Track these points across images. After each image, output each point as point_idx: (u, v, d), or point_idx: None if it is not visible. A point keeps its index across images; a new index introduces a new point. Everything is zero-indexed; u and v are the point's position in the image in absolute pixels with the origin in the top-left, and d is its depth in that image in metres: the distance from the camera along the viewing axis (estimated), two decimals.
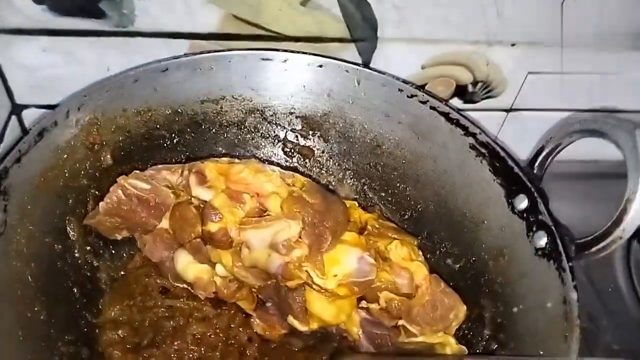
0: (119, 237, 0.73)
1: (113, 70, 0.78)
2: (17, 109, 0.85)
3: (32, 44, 0.78)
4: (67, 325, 0.64)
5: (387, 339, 0.61)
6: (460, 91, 0.90)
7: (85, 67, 0.80)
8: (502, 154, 0.70)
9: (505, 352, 0.64)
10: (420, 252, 0.64)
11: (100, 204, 0.70)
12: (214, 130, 0.81)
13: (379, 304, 0.61)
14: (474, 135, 0.72)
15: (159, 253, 0.72)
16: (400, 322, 0.60)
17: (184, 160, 0.80)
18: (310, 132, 0.84)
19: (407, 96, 0.76)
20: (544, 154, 0.69)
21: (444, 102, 0.75)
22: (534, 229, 0.65)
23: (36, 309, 0.61)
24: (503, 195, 0.69)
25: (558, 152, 0.69)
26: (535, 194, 0.66)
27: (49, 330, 0.61)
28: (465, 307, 0.61)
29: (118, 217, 0.70)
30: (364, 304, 0.62)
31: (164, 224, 0.72)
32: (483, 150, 0.72)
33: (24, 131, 0.86)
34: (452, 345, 0.62)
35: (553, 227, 0.64)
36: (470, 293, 0.70)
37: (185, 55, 0.76)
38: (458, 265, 0.74)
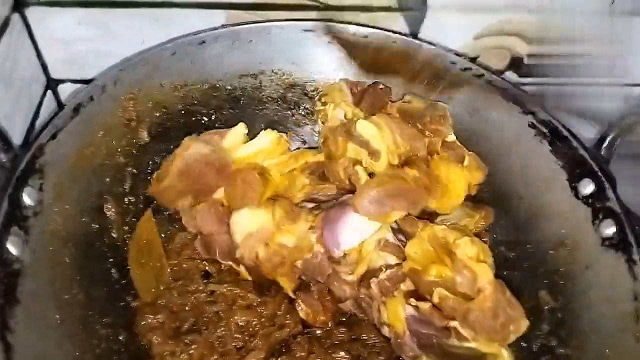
0: (179, 207, 0.70)
1: (148, 43, 0.75)
2: (52, 84, 0.83)
3: (66, 17, 0.75)
4: (105, 308, 0.62)
5: (434, 339, 0.57)
6: (516, 63, 0.83)
7: (121, 40, 0.77)
8: (565, 133, 0.65)
9: (567, 349, 0.59)
10: (490, 254, 0.60)
11: (174, 163, 0.67)
12: (252, 106, 0.78)
13: (431, 301, 0.57)
14: (533, 113, 0.67)
15: (210, 225, 0.68)
16: (453, 324, 0.56)
17: None
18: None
19: (460, 69, 0.71)
20: (612, 133, 0.64)
21: (500, 77, 0.70)
22: (601, 216, 0.60)
23: (74, 290, 0.59)
24: (565, 178, 0.64)
25: (629, 132, 0.63)
26: (603, 178, 0.61)
27: (86, 313, 0.60)
28: (527, 322, 0.57)
29: (187, 180, 0.67)
30: (413, 301, 0.58)
31: (219, 193, 0.69)
32: (543, 129, 0.66)
33: (60, 106, 0.85)
34: (504, 358, 0.57)
35: (622, 215, 0.58)
36: (526, 284, 0.65)
37: (223, 26, 0.72)
38: (513, 254, 0.69)
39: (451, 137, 0.69)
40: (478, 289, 0.55)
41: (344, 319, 0.67)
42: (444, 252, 0.57)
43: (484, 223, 0.69)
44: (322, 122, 0.74)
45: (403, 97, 0.74)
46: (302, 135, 0.81)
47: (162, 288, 0.66)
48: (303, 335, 0.63)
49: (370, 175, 0.65)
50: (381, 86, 0.74)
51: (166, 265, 0.68)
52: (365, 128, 0.67)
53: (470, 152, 0.69)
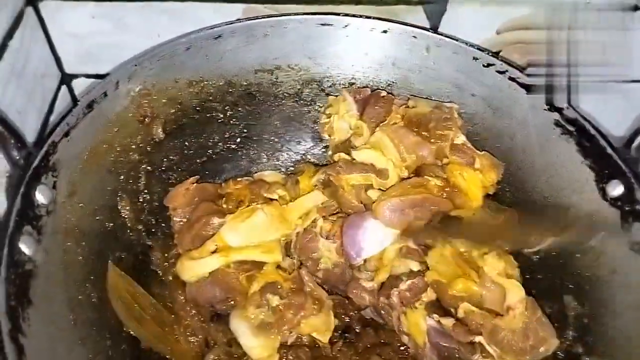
0: None
1: (163, 37, 0.74)
2: (66, 79, 0.82)
3: (80, 11, 0.74)
4: None
5: (456, 353, 0.55)
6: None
7: (135, 34, 0.76)
8: (593, 132, 0.62)
9: (593, 357, 0.57)
10: (518, 271, 0.58)
11: None
12: (268, 102, 0.76)
13: (455, 316, 0.55)
14: (559, 110, 0.64)
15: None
16: (478, 339, 0.54)
17: (236, 135, 0.76)
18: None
19: (483, 65, 0.68)
20: None
21: (525, 73, 0.67)
22: (630, 219, 0.58)
23: (87, 291, 0.59)
24: (593, 179, 0.62)
25: None
26: (632, 179, 0.58)
27: (100, 314, 0.59)
28: (558, 342, 0.55)
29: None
30: (436, 316, 0.56)
31: None
32: (570, 128, 0.64)
33: (74, 101, 0.84)
34: None
35: None
36: (551, 288, 0.63)
37: (239, 20, 0.71)
38: (538, 257, 0.66)
39: (460, 139, 0.68)
40: (508, 306, 0.53)
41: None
42: (470, 266, 0.55)
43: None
44: (329, 135, 0.73)
45: (408, 100, 0.72)
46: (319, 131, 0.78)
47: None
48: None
49: None
50: (383, 94, 0.72)
51: (160, 308, 0.65)
52: (363, 155, 0.67)
53: (482, 152, 0.68)
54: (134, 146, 0.67)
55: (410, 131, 0.67)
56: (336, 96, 0.75)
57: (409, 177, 0.66)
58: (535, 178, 0.67)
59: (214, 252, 0.64)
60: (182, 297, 0.66)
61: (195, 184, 0.69)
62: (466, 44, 0.69)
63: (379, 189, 0.64)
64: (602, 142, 0.61)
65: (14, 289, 0.49)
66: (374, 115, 0.71)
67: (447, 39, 0.70)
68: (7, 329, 0.47)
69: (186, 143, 0.73)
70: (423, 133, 0.68)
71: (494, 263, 0.54)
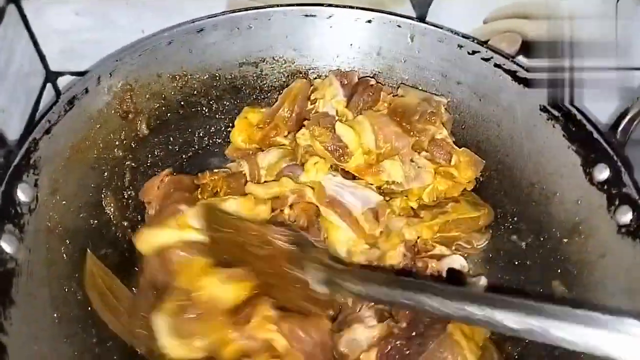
0: None
1: (148, 32, 0.73)
2: (51, 76, 0.81)
3: (64, 8, 0.74)
4: None
5: None
6: (527, 47, 0.80)
7: (120, 30, 0.75)
8: (579, 116, 0.62)
9: None
10: None
11: None
12: (254, 95, 0.76)
13: None
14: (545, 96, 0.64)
15: None
16: None
17: (222, 129, 0.75)
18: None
19: (468, 53, 0.68)
20: (628, 117, 0.61)
21: (510, 59, 0.67)
22: (617, 203, 0.57)
23: (72, 289, 0.58)
24: (579, 163, 0.61)
25: None
26: (619, 163, 0.58)
27: (85, 311, 0.58)
28: None
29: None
30: None
31: None
32: (556, 113, 0.63)
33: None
34: None
35: (639, 201, 0.55)
36: (539, 274, 0.63)
37: (222, 13, 0.70)
38: (525, 243, 0.66)
39: (441, 134, 0.68)
40: None
41: None
42: None
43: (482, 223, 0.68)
44: (312, 107, 0.73)
45: (397, 89, 0.72)
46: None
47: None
48: None
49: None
50: (372, 82, 0.72)
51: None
52: (342, 130, 0.67)
53: (462, 149, 0.68)
54: (117, 142, 0.67)
55: (392, 120, 0.67)
56: (322, 79, 0.74)
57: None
58: (523, 164, 0.67)
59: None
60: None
61: (170, 176, 0.68)
62: (451, 31, 0.69)
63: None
64: (589, 127, 0.61)
65: None
66: (361, 103, 0.71)
67: (431, 27, 0.69)
68: None
69: (171, 138, 0.72)
70: (404, 124, 0.68)
71: None
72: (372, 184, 0.68)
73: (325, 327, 0.58)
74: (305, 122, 0.69)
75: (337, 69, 0.75)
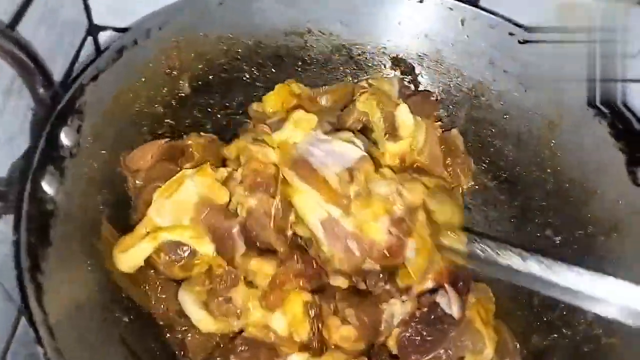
0: None
1: None
2: (94, 30, 0.81)
3: None
4: None
5: None
6: None
7: None
8: (627, 114, 0.61)
9: (612, 339, 0.56)
10: None
11: None
12: (296, 66, 0.75)
13: None
14: (593, 89, 0.63)
15: None
16: None
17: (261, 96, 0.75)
18: (400, 77, 0.76)
19: (519, 41, 0.67)
20: None
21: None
22: None
23: (105, 236, 0.58)
24: (624, 162, 0.60)
25: None
26: None
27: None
28: None
29: None
30: None
31: None
32: (604, 110, 0.62)
33: (99, 53, 0.83)
34: None
35: None
36: None
37: None
38: (559, 238, 0.66)
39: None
40: None
41: None
42: None
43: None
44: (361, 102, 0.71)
45: (451, 129, 0.72)
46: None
47: None
48: None
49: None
50: (432, 97, 0.72)
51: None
52: (405, 114, 0.66)
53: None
54: (159, 98, 0.67)
55: (440, 147, 0.69)
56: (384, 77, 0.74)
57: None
58: (564, 159, 0.66)
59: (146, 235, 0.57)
60: None
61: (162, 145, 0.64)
62: (503, 18, 0.68)
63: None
64: (637, 125, 0.60)
65: (35, 227, 0.49)
66: (417, 106, 0.70)
67: (483, 12, 0.68)
68: (26, 266, 0.46)
69: (211, 101, 0.72)
70: (446, 159, 0.70)
71: None
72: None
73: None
74: (362, 90, 0.68)
75: (383, 54, 0.74)
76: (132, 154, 0.63)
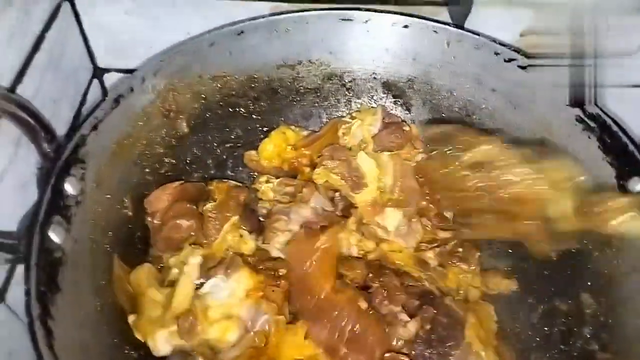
0: None
1: (193, 34, 0.75)
2: (98, 73, 0.85)
3: (115, 6, 0.76)
4: None
5: None
6: None
7: (167, 31, 0.77)
8: (615, 128, 0.61)
9: (608, 355, 0.57)
10: None
11: None
12: (290, 97, 0.78)
13: None
14: (581, 106, 0.63)
15: None
16: None
17: (259, 129, 0.77)
18: (392, 100, 0.77)
19: (504, 60, 0.68)
20: None
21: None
22: None
23: (112, 279, 0.61)
24: (614, 176, 0.61)
25: None
26: None
27: None
28: None
29: None
30: None
31: None
32: (592, 124, 0.63)
33: (105, 95, 0.86)
34: None
35: None
36: (568, 285, 0.63)
37: (262, 17, 0.72)
38: (556, 255, 0.66)
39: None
40: None
41: None
42: None
43: None
44: (343, 133, 0.74)
45: (432, 152, 0.73)
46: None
47: None
48: None
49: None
50: (405, 128, 0.73)
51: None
52: (364, 160, 0.69)
53: None
54: (159, 140, 0.70)
55: (414, 177, 0.70)
56: (369, 107, 0.77)
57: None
58: None
59: None
60: None
61: (177, 187, 0.68)
62: (487, 38, 0.69)
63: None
64: (625, 139, 0.60)
65: (44, 275, 0.52)
66: (385, 140, 0.72)
67: (468, 33, 0.70)
68: (37, 313, 0.49)
69: (209, 137, 0.75)
70: (424, 186, 0.70)
71: None
72: None
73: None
74: (318, 159, 0.71)
75: (374, 78, 0.76)
76: (150, 196, 0.67)
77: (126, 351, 0.58)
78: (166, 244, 0.64)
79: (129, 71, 0.82)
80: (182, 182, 0.69)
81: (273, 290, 0.61)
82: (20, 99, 0.59)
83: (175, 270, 0.62)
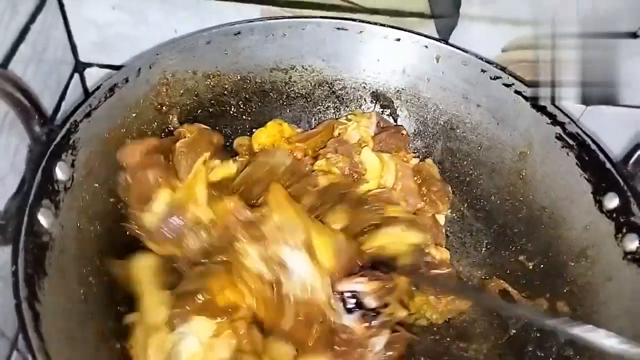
0: None
1: (180, 32, 0.76)
2: (80, 67, 0.84)
3: (102, 1, 0.76)
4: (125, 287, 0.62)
5: None
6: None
7: (153, 27, 0.78)
8: (593, 147, 0.65)
9: (584, 359, 0.59)
10: None
11: None
12: (280, 100, 0.79)
13: None
14: (562, 124, 0.68)
15: None
16: None
17: (248, 129, 0.78)
18: (380, 110, 0.80)
19: (490, 78, 0.72)
20: None
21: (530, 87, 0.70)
22: (624, 230, 0.60)
23: (98, 269, 0.59)
24: (590, 191, 0.64)
25: None
26: (629, 193, 0.61)
27: (109, 291, 0.60)
28: None
29: None
30: None
31: None
32: (571, 142, 0.67)
33: (85, 90, 0.85)
34: None
35: None
36: (545, 294, 0.66)
37: (259, 19, 0.73)
38: (532, 263, 0.69)
39: (441, 218, 0.73)
40: None
41: None
42: None
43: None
44: (339, 134, 0.76)
45: (425, 159, 0.77)
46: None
47: None
48: None
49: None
50: (403, 132, 0.76)
51: None
52: (368, 155, 0.71)
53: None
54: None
55: (413, 178, 0.72)
56: (363, 112, 0.79)
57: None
58: (535, 188, 0.70)
59: None
60: None
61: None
62: (475, 56, 0.72)
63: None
64: (602, 157, 0.64)
65: (32, 258, 0.50)
66: (385, 142, 0.75)
67: (457, 50, 0.73)
68: (24, 295, 0.48)
69: None
70: (422, 188, 0.73)
71: None
72: None
73: None
74: (321, 151, 0.72)
75: (363, 88, 0.78)
76: (123, 149, 0.64)
77: (110, 342, 0.56)
78: (138, 200, 0.62)
79: (112, 67, 0.82)
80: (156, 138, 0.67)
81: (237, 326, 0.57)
82: (14, 75, 0.58)
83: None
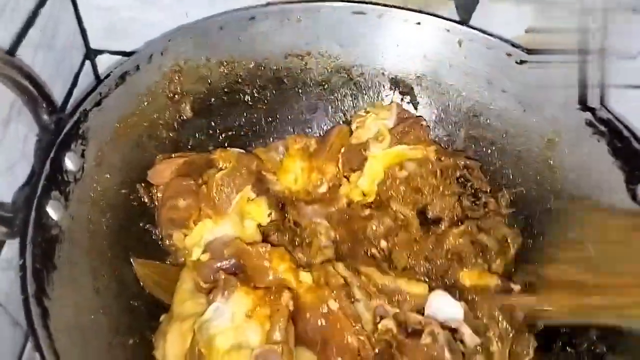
0: None
1: (191, 16, 0.73)
2: (91, 54, 0.82)
3: None
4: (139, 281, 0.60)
5: None
6: None
7: (164, 11, 0.75)
8: (626, 133, 0.61)
9: (616, 356, 0.56)
10: None
11: None
12: (296, 88, 0.76)
13: None
14: (592, 110, 0.64)
15: None
16: None
17: (262, 118, 0.75)
18: (400, 97, 0.77)
19: (516, 62, 0.68)
20: None
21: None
22: None
23: (109, 261, 0.58)
24: (623, 180, 0.61)
25: None
26: None
27: (122, 285, 0.58)
28: None
29: None
30: None
31: None
32: (602, 128, 0.63)
33: (97, 77, 0.83)
34: None
35: None
36: None
37: (274, 3, 0.70)
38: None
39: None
40: None
41: None
42: None
43: None
44: (357, 127, 0.74)
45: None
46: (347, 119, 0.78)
47: None
48: None
49: None
50: (423, 122, 0.73)
51: None
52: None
53: None
54: (162, 122, 0.67)
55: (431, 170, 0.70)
56: (383, 104, 0.76)
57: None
58: (564, 177, 0.67)
59: None
60: None
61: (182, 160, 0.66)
62: (500, 39, 0.69)
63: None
64: (635, 144, 0.61)
65: (40, 252, 0.49)
66: (405, 132, 0.72)
67: (480, 33, 0.69)
68: (32, 291, 0.46)
69: (212, 123, 0.73)
70: (436, 178, 0.70)
71: None
72: None
73: None
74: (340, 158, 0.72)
75: (382, 74, 0.76)
76: (153, 169, 0.65)
77: (122, 337, 0.55)
78: (168, 224, 0.62)
79: (123, 53, 0.80)
80: (186, 154, 0.67)
81: (278, 310, 0.55)
82: (21, 63, 0.56)
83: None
